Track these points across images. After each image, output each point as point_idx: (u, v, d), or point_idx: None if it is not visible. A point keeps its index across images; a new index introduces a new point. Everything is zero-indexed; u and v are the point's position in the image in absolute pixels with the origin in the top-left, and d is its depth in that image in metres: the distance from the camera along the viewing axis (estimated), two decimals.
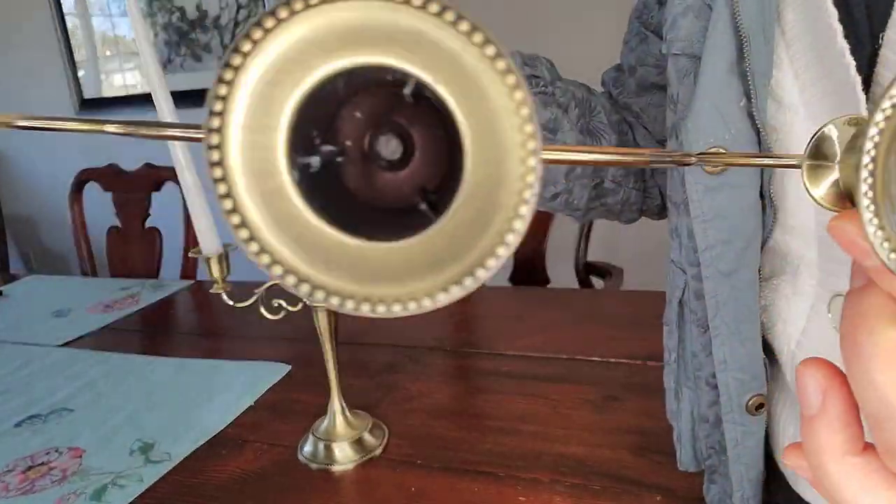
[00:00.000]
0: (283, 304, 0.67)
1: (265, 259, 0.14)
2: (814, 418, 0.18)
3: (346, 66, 0.13)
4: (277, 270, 0.14)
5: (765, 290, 0.42)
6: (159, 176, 1.55)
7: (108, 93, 2.37)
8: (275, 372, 0.88)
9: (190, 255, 0.67)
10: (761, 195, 0.39)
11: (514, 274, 1.57)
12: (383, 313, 0.14)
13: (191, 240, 1.47)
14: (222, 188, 0.14)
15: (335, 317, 0.68)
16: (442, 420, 0.74)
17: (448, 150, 0.14)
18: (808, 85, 0.35)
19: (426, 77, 0.13)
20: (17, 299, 1.32)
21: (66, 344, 1.05)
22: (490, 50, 0.13)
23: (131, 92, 2.32)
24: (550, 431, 0.69)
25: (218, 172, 0.14)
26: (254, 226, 0.14)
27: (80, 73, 2.37)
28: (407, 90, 0.14)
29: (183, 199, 0.69)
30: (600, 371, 0.81)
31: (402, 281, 0.14)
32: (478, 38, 0.13)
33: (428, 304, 0.14)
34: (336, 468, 0.67)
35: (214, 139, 0.14)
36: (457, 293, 0.14)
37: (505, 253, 0.13)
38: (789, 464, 0.20)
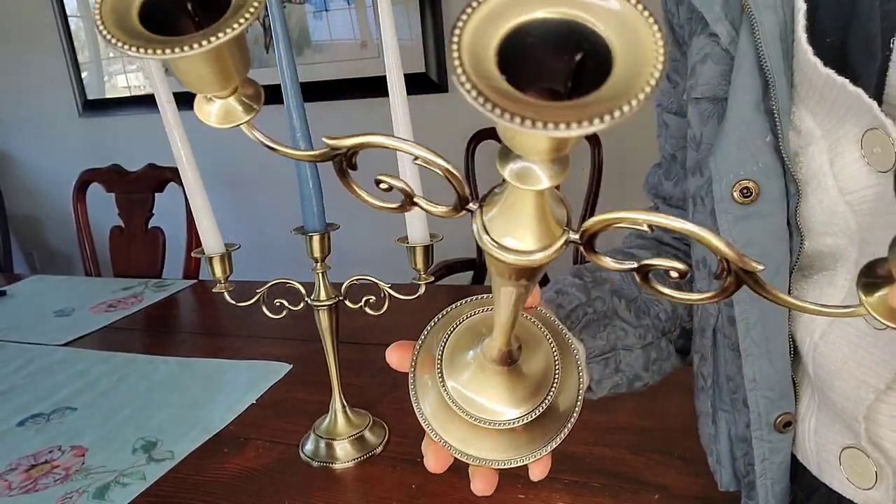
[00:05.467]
0: (285, 303, 0.68)
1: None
2: None
3: (536, 17, 0.19)
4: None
5: (799, 282, 0.43)
6: (162, 176, 1.56)
7: (111, 94, 2.37)
8: (276, 371, 0.88)
9: (193, 255, 0.68)
10: (788, 223, 0.41)
11: None
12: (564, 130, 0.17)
13: (194, 239, 1.48)
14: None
15: (336, 315, 0.68)
16: None
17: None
18: (818, 113, 0.37)
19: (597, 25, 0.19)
20: (20, 299, 1.33)
21: (69, 343, 1.05)
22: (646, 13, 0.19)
23: (135, 93, 2.33)
24: None
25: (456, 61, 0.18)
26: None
27: (84, 75, 2.38)
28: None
29: (186, 199, 0.69)
30: None
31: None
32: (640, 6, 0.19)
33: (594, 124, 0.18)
34: (337, 466, 0.68)
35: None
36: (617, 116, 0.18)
37: (644, 96, 0.18)
38: None
